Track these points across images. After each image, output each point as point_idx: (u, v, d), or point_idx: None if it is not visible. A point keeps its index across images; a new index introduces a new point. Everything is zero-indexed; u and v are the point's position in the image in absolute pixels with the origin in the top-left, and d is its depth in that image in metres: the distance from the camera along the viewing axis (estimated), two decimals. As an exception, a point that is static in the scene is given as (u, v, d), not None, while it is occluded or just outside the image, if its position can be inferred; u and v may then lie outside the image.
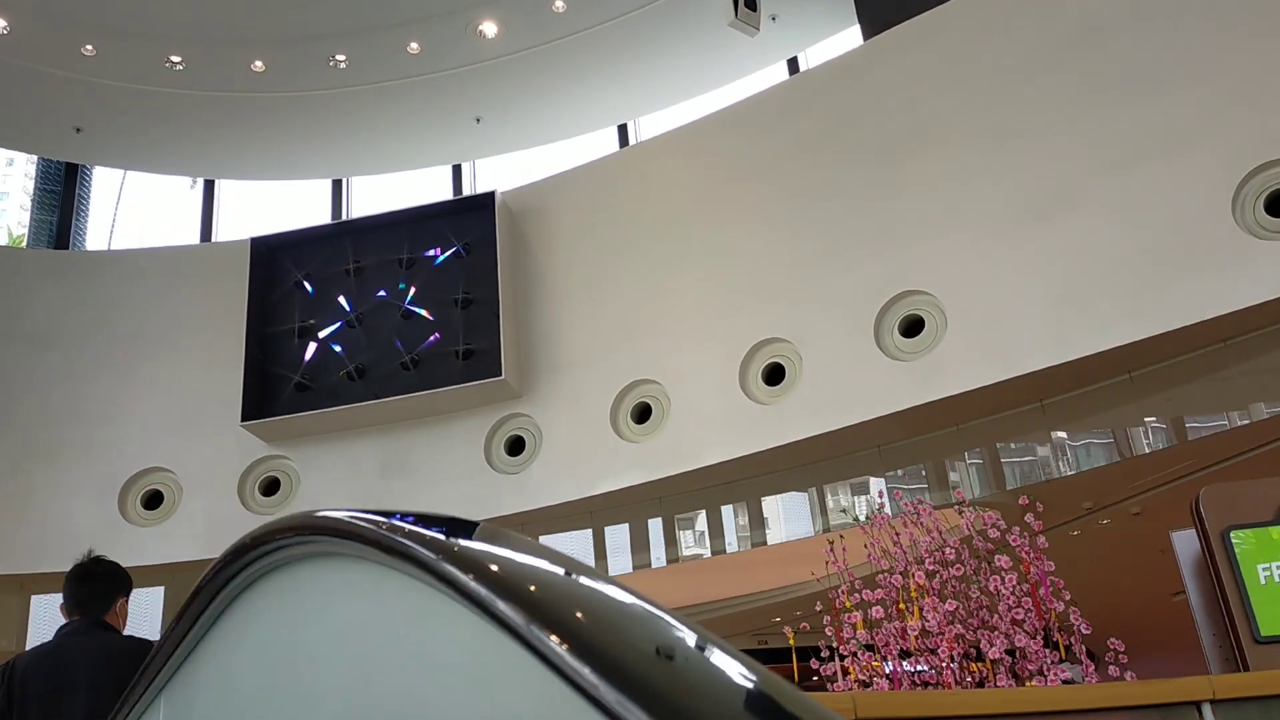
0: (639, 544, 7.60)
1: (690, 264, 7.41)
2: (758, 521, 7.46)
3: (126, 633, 3.28)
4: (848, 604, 4.77)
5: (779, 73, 8.88)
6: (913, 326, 6.45)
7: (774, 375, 6.88)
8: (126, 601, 3.34)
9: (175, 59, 8.20)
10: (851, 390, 6.44)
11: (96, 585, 3.25)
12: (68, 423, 8.06)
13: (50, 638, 3.16)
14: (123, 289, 8.50)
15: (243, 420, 7.68)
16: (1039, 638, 4.40)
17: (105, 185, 10.07)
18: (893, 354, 6.42)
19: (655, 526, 7.53)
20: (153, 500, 7.89)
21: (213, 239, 9.71)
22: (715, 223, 7.42)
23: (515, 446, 7.65)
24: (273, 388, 7.87)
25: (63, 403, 8.13)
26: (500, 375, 7.41)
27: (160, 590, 7.94)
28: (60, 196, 9.50)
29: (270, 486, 7.89)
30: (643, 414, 7.32)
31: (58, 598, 7.59)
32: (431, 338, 7.78)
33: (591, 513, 7.61)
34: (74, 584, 3.24)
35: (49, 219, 9.44)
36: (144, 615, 7.87)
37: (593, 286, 7.71)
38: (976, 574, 4.55)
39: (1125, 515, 7.59)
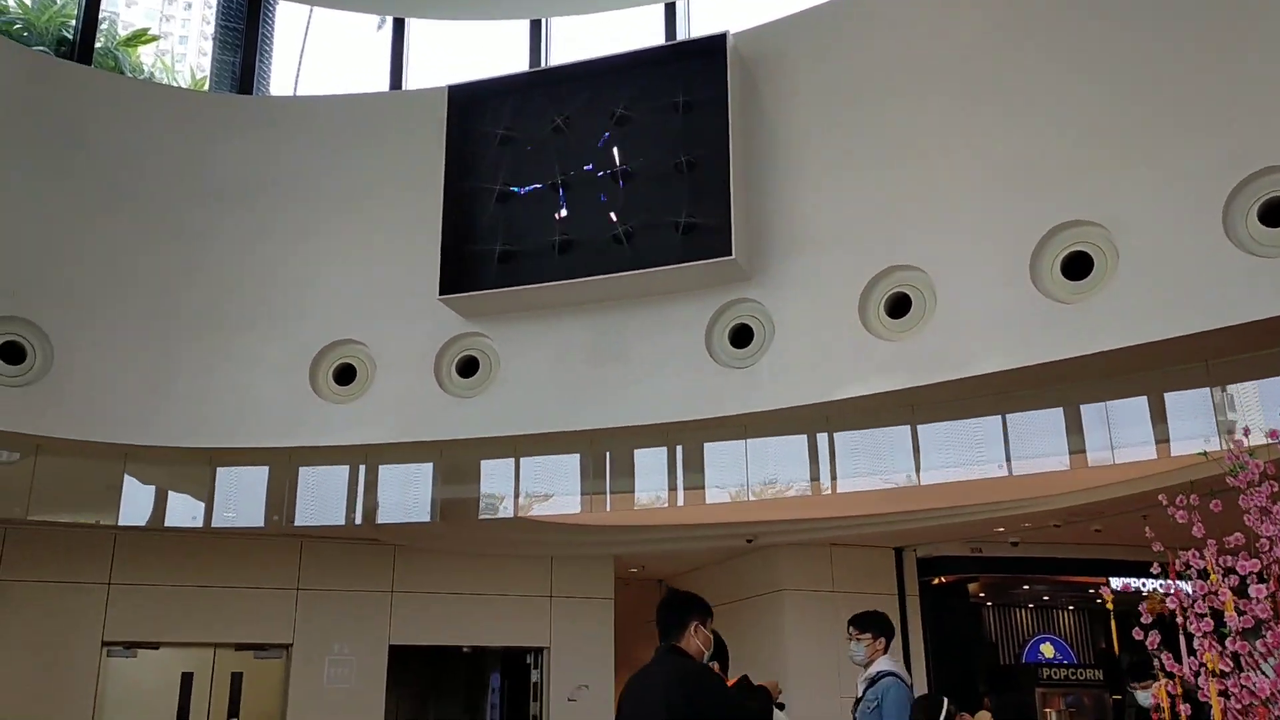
0: (879, 454, 6.57)
1: (967, 126, 6.10)
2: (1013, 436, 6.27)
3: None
4: (1212, 573, 3.63)
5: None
6: (1276, 212, 5.05)
7: (1076, 267, 5.60)
8: (702, 625, 3.81)
9: (365, -123, 7.19)
10: (1188, 290, 5.12)
11: (668, 614, 3.84)
12: (254, 287, 7.46)
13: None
14: (311, 140, 7.74)
15: (441, 294, 6.90)
16: None
17: (289, 26, 9.27)
18: (1248, 246, 5.04)
19: (900, 435, 6.47)
20: (345, 375, 7.27)
21: (403, 88, 8.83)
22: (1000, 76, 6.05)
23: (741, 336, 6.64)
24: (472, 258, 7.03)
25: (249, 265, 7.52)
26: (730, 254, 6.35)
27: (344, 470, 7.40)
28: (242, 35, 8.75)
29: (468, 367, 7.15)
30: (898, 306, 6.17)
31: (246, 472, 7.11)
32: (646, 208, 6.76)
33: (827, 417, 6.60)
34: (656, 612, 3.90)
35: (230, 60, 8.72)
36: (331, 497, 7.38)
37: (843, 151, 6.49)
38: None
39: None
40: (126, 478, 7.57)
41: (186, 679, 10.03)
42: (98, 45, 8.61)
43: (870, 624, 5.33)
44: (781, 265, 6.53)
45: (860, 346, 6.15)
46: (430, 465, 7.37)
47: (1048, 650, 13.44)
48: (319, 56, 9.56)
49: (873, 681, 5.17)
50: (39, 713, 9.01)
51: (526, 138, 7.16)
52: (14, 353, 6.82)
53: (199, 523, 7.58)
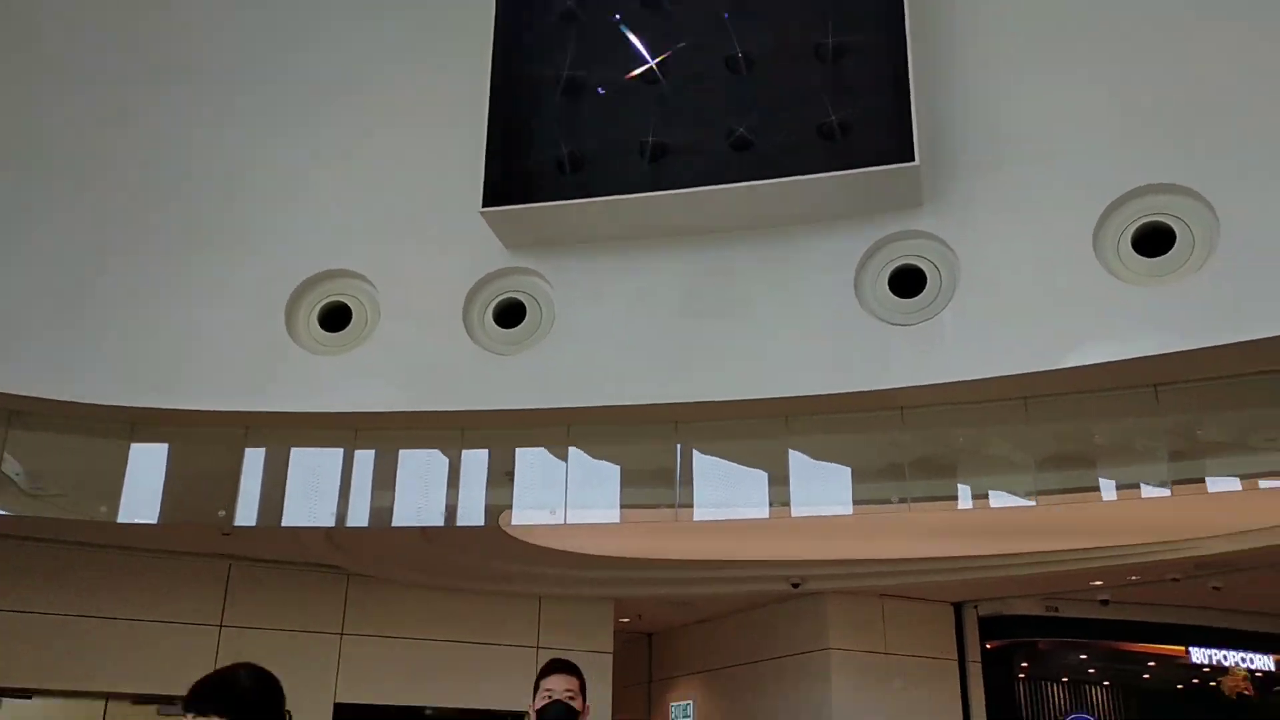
0: (1096, 453, 4.77)
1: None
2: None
3: None
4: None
5: None
6: None
7: None
8: None
9: None
10: None
11: None
12: (215, 197, 5.43)
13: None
14: (300, 7, 5.76)
15: (484, 205, 4.93)
16: None
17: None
18: None
19: (1135, 427, 4.68)
20: (335, 318, 5.24)
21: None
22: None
23: (907, 282, 4.80)
24: (526, 163, 5.10)
25: (206, 164, 5.48)
26: (911, 159, 4.53)
27: (339, 453, 5.32)
28: None
29: (510, 313, 5.18)
30: (1152, 242, 4.42)
31: (175, 449, 4.73)
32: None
33: (1026, 401, 4.77)
34: None
35: None
36: (314, 486, 5.32)
37: (1065, 30, 4.77)
38: None
39: None
40: (5, 452, 5.37)
41: (66, 738, 7.73)
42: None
43: None
44: (970, 185, 4.73)
45: (1096, 295, 4.36)
46: (445, 448, 5.34)
47: (1083, 733, 11.75)
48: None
49: None
50: None
51: (606, 7, 5.30)
52: None
53: (105, 516, 5.39)
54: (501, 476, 5.47)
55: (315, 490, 5.46)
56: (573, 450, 5.30)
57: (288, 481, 5.46)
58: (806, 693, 8.87)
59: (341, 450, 5.44)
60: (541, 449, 5.31)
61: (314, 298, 5.26)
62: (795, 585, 8.55)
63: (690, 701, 10.56)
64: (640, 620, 10.64)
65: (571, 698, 3.36)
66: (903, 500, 4.98)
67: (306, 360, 5.12)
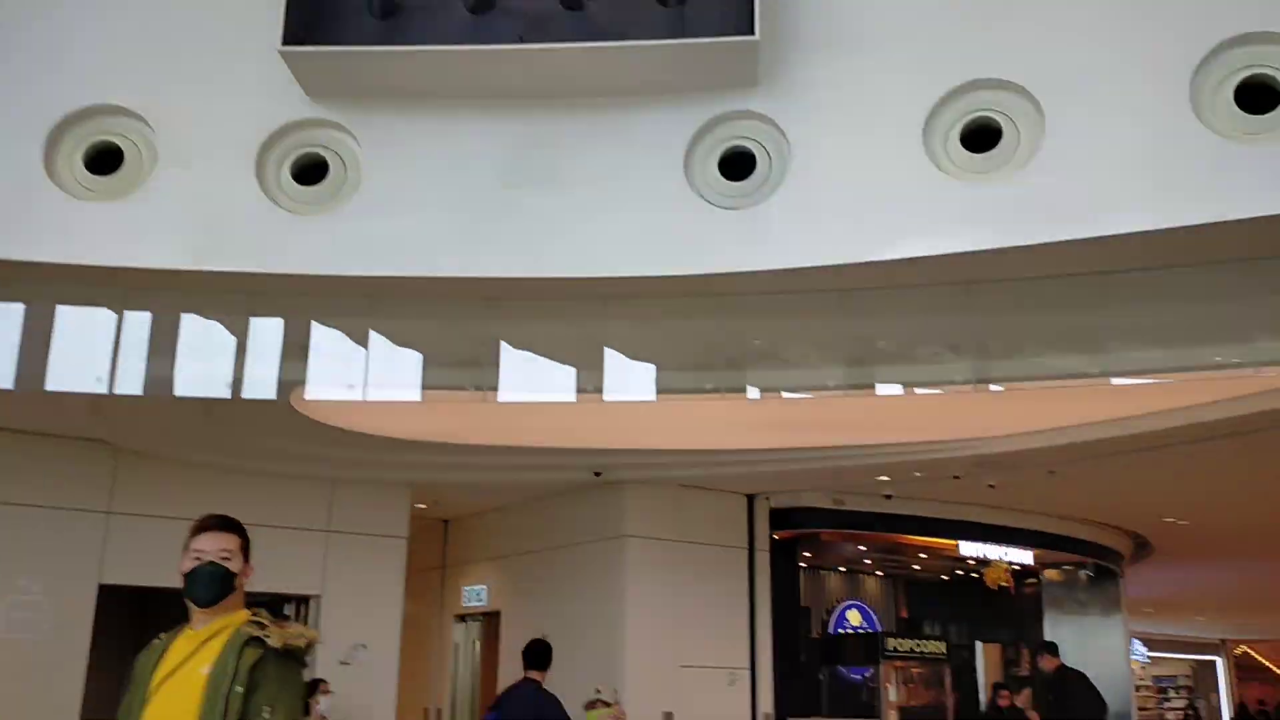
0: (898, 349, 4.82)
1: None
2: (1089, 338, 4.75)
3: None
4: None
5: None
6: None
7: (1262, 98, 4.04)
8: None
9: None
10: None
11: None
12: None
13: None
14: None
15: (284, 43, 4.42)
16: None
17: None
18: None
19: (940, 325, 4.74)
20: (104, 161, 4.62)
21: None
22: None
23: (737, 165, 4.65)
24: (335, 1, 4.60)
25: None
26: (751, 33, 4.34)
27: (110, 317, 4.77)
28: None
29: (311, 170, 4.70)
30: (981, 139, 4.41)
31: None
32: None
33: (840, 292, 4.74)
34: None
35: None
36: (80, 349, 4.77)
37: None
38: None
39: None
40: None
41: None
42: None
43: None
44: (807, 69, 4.57)
45: (922, 189, 4.34)
46: (232, 314, 4.88)
47: (854, 617, 12.47)
48: None
49: None
50: None
51: None
52: None
53: None
54: (295, 349, 5.07)
55: (82, 354, 4.92)
56: (375, 323, 4.95)
57: (51, 342, 4.88)
58: (601, 579, 8.94)
59: (112, 312, 4.87)
60: (340, 320, 4.93)
61: (79, 135, 4.62)
62: (597, 474, 8.52)
63: (484, 586, 10.50)
64: (437, 506, 10.43)
65: (227, 558, 2.92)
66: (715, 389, 4.91)
67: (69, 205, 4.51)
